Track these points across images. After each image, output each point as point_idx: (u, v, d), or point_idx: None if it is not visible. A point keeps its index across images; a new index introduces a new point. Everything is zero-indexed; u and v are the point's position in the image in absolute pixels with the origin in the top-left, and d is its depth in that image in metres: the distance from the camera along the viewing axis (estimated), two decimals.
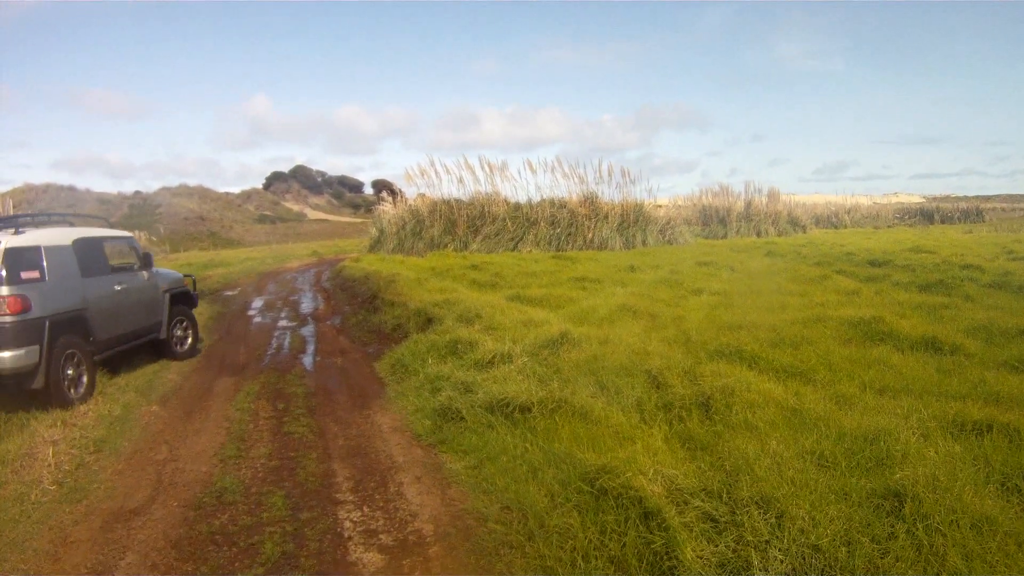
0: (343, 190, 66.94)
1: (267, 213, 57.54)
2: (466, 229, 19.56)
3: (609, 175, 22.29)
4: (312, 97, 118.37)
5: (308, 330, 9.31)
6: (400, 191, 22.74)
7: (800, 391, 4.62)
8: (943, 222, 43.70)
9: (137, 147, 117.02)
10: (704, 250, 20.47)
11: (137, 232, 42.63)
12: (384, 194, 23.63)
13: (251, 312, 11.06)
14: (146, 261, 7.10)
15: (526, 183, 21.08)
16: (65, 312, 5.60)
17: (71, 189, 47.27)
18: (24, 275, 5.28)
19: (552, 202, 20.97)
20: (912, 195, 52.15)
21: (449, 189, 20.48)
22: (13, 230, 5.53)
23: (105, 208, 46.88)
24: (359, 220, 56.82)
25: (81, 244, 6.06)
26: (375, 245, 21.49)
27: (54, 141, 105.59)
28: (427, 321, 8.10)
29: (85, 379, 5.68)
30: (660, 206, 25.55)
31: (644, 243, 22.48)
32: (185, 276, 8.13)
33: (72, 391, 5.50)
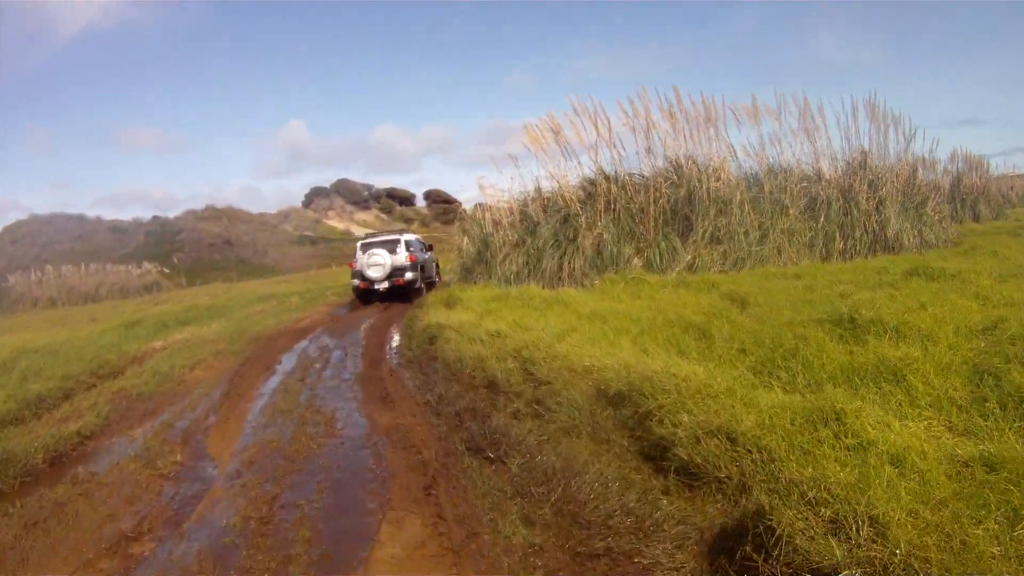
0: (392, 203, 58.43)
1: (307, 233, 49.57)
2: (662, 226, 9.82)
3: (883, 126, 12.22)
4: (348, 119, 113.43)
5: None
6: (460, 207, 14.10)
7: None
8: None
9: (179, 180, 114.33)
10: None
11: (146, 264, 35.16)
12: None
13: None
14: (429, 247, 14.98)
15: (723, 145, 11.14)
16: (419, 261, 12.96)
17: (80, 218, 40.88)
18: (411, 248, 12.86)
19: (800, 174, 11.11)
20: None
21: (600, 158, 10.79)
22: (399, 233, 13.44)
23: (118, 237, 40.03)
24: None
25: (417, 238, 14.27)
26: (471, 268, 12.12)
27: (96, 180, 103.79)
28: None
29: (424, 289, 12.89)
30: None
31: (931, 237, 12.20)
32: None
33: (421, 293, 12.56)
